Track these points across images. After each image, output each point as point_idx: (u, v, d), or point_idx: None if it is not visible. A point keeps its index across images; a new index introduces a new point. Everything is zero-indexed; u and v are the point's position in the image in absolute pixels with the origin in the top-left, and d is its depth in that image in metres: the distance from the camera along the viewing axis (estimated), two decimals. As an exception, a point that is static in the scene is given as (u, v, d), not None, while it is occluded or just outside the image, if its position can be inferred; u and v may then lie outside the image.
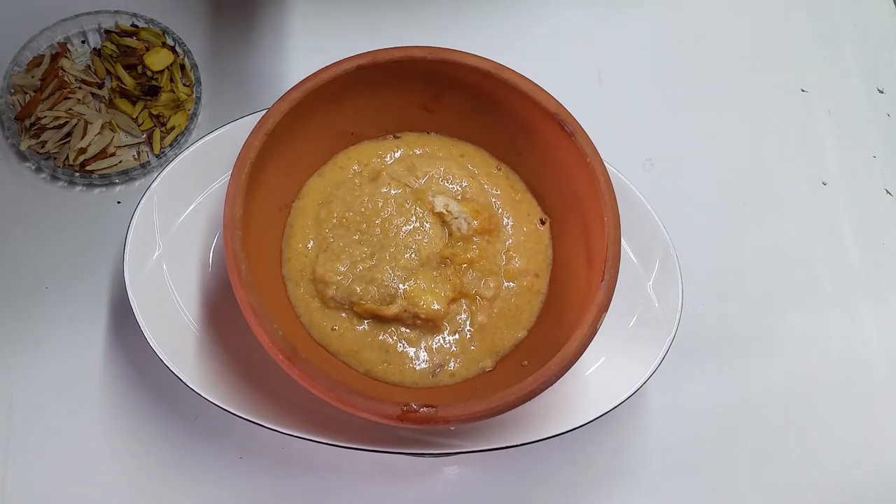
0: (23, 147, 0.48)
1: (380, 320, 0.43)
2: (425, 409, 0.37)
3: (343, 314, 0.43)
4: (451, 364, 0.43)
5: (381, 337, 0.43)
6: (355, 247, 0.43)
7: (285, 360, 0.37)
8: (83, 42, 0.53)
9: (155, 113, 0.51)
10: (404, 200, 0.45)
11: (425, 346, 0.43)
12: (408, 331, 0.43)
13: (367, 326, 0.43)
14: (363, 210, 0.44)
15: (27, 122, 0.49)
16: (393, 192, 0.45)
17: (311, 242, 0.44)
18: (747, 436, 0.49)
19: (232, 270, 0.38)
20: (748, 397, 0.50)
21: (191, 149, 0.46)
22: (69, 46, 0.52)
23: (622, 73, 0.58)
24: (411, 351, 0.43)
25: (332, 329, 0.42)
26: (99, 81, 0.51)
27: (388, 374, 0.42)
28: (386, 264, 0.43)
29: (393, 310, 0.42)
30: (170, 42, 0.52)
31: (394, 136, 0.47)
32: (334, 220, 0.44)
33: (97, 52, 0.52)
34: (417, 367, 0.42)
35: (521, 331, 0.44)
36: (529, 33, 0.58)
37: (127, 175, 0.50)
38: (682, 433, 0.49)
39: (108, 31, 0.53)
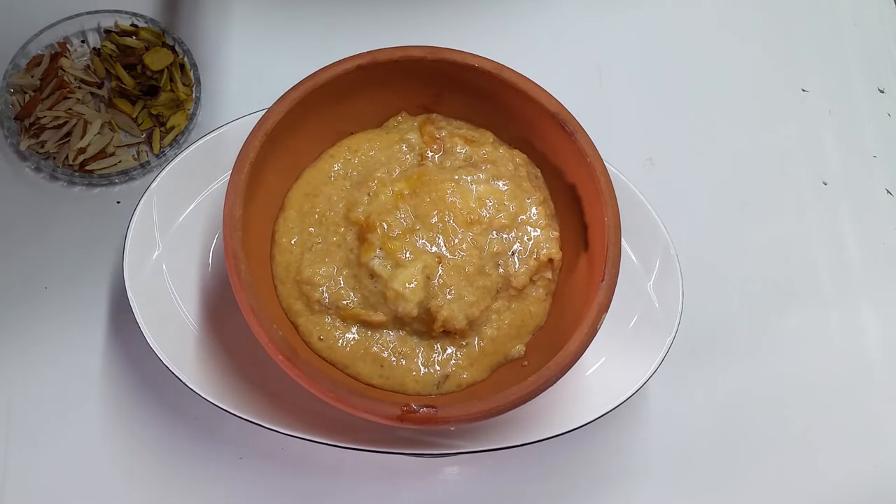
0: (22, 147, 0.48)
1: (369, 327, 0.41)
2: (425, 409, 0.37)
3: (328, 318, 0.41)
4: (461, 375, 0.41)
5: (373, 349, 0.41)
6: (337, 249, 0.42)
7: (285, 360, 0.36)
8: (83, 42, 0.53)
9: (154, 113, 0.51)
10: None
11: (426, 361, 0.41)
12: (401, 334, 0.41)
13: (355, 336, 0.41)
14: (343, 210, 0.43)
15: (27, 122, 0.49)
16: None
17: (296, 238, 0.43)
18: (747, 436, 0.49)
19: (231, 270, 0.38)
20: (748, 397, 0.50)
21: (190, 149, 0.46)
22: (69, 46, 0.52)
23: (622, 73, 0.58)
24: (411, 365, 0.41)
25: (319, 339, 0.41)
26: (98, 81, 0.51)
27: (387, 387, 0.41)
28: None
29: (380, 316, 0.41)
30: (169, 42, 0.52)
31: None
32: (316, 216, 0.43)
33: (97, 51, 0.52)
34: (419, 379, 0.41)
35: (528, 336, 0.43)
36: (529, 33, 0.58)
37: (126, 175, 0.50)
38: (682, 433, 0.49)
39: (107, 31, 0.52)
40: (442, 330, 0.40)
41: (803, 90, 0.59)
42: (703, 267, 0.52)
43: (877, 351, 0.52)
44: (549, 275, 0.43)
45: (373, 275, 0.41)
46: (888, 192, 0.57)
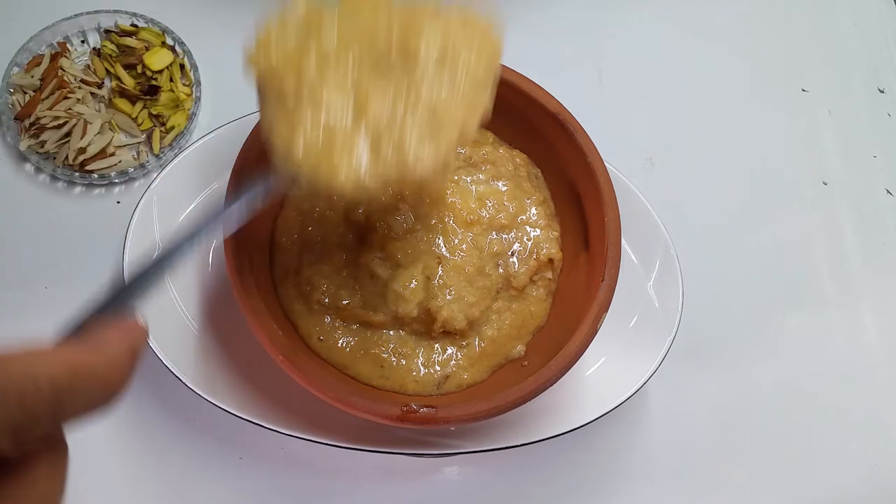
0: (22, 147, 0.48)
1: (369, 327, 0.41)
2: (425, 409, 0.37)
3: (327, 318, 0.41)
4: (462, 375, 0.41)
5: (373, 350, 0.41)
6: (337, 250, 0.42)
7: (285, 360, 0.36)
8: (83, 42, 0.53)
9: (154, 113, 0.51)
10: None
11: (426, 361, 0.41)
12: (402, 334, 0.41)
13: (355, 336, 0.41)
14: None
15: (27, 122, 0.49)
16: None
17: (295, 237, 0.43)
18: (748, 436, 0.49)
19: (231, 270, 0.38)
20: (748, 397, 0.50)
21: (190, 149, 0.46)
22: (69, 46, 0.52)
23: (622, 73, 0.58)
24: (411, 365, 0.41)
25: (319, 340, 0.41)
26: (98, 81, 0.51)
27: (387, 387, 0.41)
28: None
29: (380, 317, 0.41)
30: (169, 42, 0.52)
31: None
32: (315, 216, 0.43)
33: (97, 51, 0.52)
34: (419, 380, 0.41)
35: (528, 336, 0.43)
36: (530, 33, 0.58)
37: (126, 175, 0.50)
38: (682, 433, 0.49)
39: (107, 31, 0.52)
40: (442, 330, 0.40)
41: (803, 90, 0.59)
42: (703, 267, 0.52)
43: (877, 351, 0.52)
44: (549, 275, 0.43)
45: (373, 275, 0.41)
46: (888, 192, 0.57)
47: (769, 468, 0.49)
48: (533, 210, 0.43)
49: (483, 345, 0.42)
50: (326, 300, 0.41)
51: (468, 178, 0.43)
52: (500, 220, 0.42)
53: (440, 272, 0.41)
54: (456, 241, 0.41)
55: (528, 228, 0.43)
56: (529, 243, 0.42)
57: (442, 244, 0.41)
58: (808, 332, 0.52)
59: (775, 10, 0.62)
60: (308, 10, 0.31)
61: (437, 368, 0.41)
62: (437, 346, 0.41)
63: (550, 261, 0.43)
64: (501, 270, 0.42)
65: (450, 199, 0.42)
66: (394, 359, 0.41)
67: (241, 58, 0.54)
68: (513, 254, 0.42)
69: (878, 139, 0.58)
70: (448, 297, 0.40)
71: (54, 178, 0.50)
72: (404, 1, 0.31)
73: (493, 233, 0.42)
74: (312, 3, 0.31)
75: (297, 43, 0.30)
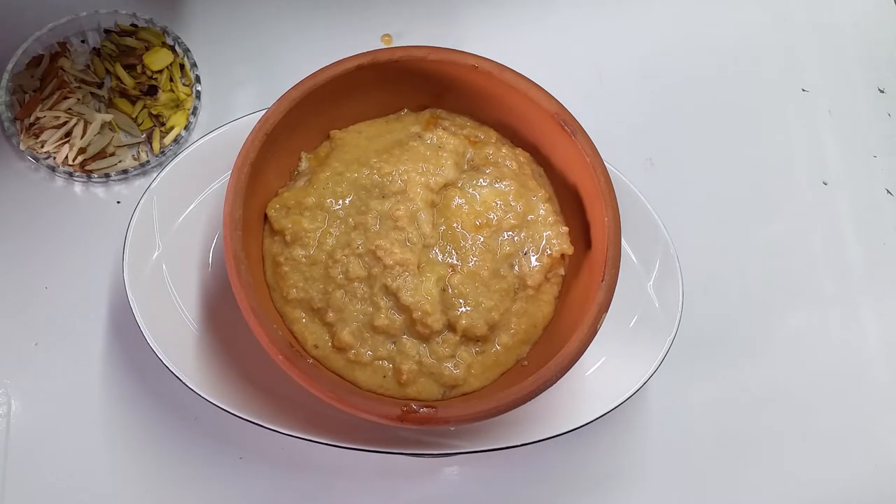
0: (22, 147, 0.48)
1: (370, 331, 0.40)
2: (425, 409, 0.37)
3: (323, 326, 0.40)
4: (472, 384, 0.40)
5: (376, 362, 0.40)
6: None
7: (285, 360, 0.36)
8: (83, 42, 0.53)
9: (154, 113, 0.51)
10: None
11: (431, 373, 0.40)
12: (404, 340, 0.40)
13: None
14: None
15: (27, 122, 0.49)
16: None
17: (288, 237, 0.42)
18: (747, 436, 0.49)
19: (231, 271, 0.38)
20: (748, 397, 0.50)
21: (190, 149, 0.46)
22: (69, 46, 0.52)
23: (622, 73, 0.58)
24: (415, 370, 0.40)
25: (315, 347, 0.40)
26: (98, 81, 0.51)
27: (387, 395, 0.40)
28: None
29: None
30: (169, 41, 0.52)
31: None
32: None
33: (97, 51, 0.52)
34: (423, 391, 0.40)
35: (536, 338, 0.43)
36: (530, 33, 0.58)
37: (126, 175, 0.50)
38: (682, 433, 0.49)
39: (107, 31, 0.52)
40: (463, 338, 0.40)
41: (803, 90, 0.59)
42: (703, 267, 0.52)
43: (877, 351, 0.52)
44: (561, 271, 0.43)
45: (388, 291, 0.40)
46: (888, 192, 0.57)
47: (769, 468, 0.49)
48: (541, 207, 0.42)
49: (499, 350, 0.41)
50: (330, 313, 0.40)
51: (472, 182, 0.42)
52: (509, 220, 0.42)
53: (455, 281, 0.40)
54: (467, 245, 0.41)
55: (538, 226, 0.42)
56: (541, 242, 0.42)
57: (453, 251, 0.41)
58: (808, 332, 0.52)
59: (775, 10, 0.62)
60: None
61: (445, 380, 0.40)
62: (448, 350, 0.40)
63: (563, 256, 0.42)
64: (516, 270, 0.41)
65: (455, 205, 0.42)
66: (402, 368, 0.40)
67: (240, 58, 0.55)
68: (526, 252, 0.42)
69: (878, 139, 0.58)
70: (466, 304, 0.40)
71: (54, 178, 0.50)
72: None
73: (504, 233, 0.42)
74: None
75: None
